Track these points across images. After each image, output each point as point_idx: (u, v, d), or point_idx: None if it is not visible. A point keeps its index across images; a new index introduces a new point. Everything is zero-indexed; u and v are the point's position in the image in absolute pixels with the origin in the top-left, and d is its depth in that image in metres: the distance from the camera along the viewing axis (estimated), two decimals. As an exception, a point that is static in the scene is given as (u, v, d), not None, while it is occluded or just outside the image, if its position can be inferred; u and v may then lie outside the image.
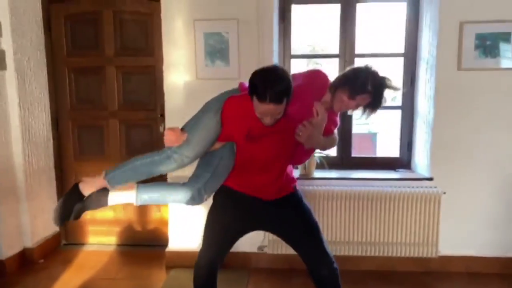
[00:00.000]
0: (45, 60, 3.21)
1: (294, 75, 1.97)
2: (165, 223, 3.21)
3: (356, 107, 1.89)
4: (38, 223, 3.17)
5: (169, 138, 1.89)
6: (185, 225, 3.01)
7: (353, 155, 3.17)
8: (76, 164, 3.36)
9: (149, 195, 1.93)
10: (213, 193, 2.01)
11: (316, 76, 1.94)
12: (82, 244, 3.41)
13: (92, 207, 1.94)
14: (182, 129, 1.92)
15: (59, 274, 2.91)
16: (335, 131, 2.05)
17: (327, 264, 1.97)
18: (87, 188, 1.92)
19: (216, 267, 2.14)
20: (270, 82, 1.68)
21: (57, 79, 3.28)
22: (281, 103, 1.71)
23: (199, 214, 2.93)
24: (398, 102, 3.12)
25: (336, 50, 3.05)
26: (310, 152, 2.03)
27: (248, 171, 1.98)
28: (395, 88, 1.86)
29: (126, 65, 3.20)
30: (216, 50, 2.82)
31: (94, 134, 3.32)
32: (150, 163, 1.91)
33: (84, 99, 3.30)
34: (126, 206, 3.35)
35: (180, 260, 2.96)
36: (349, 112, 1.96)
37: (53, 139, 3.32)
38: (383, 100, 1.84)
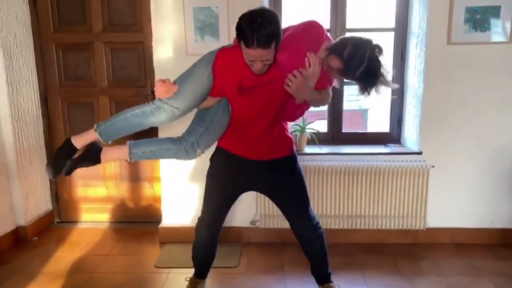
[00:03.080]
0: (31, 36, 3.15)
1: (286, 27, 1.89)
2: (157, 199, 3.24)
3: (340, 78, 1.87)
4: (31, 201, 3.17)
5: (160, 89, 1.85)
6: (178, 201, 3.03)
7: (343, 131, 3.19)
8: (66, 142, 3.33)
9: (143, 150, 1.92)
10: (207, 149, 2.00)
11: (310, 26, 1.83)
12: (75, 222, 3.43)
13: (85, 165, 1.93)
14: (174, 82, 1.90)
15: (53, 251, 2.93)
16: (329, 87, 1.98)
17: (310, 227, 2.11)
18: (79, 141, 1.92)
19: (219, 228, 2.21)
20: (256, 25, 1.61)
21: (44, 56, 3.22)
22: (269, 47, 1.66)
23: (192, 190, 2.97)
24: (389, 78, 3.12)
25: (327, 25, 3.03)
26: (302, 107, 1.96)
27: (240, 127, 1.98)
28: (386, 83, 1.80)
29: (114, 41, 3.15)
30: (205, 25, 2.78)
31: (84, 111, 3.29)
32: (140, 114, 1.89)
33: (72, 76, 3.25)
34: (118, 183, 3.36)
35: (173, 236, 3.00)
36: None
37: (43, 117, 3.28)
38: (368, 90, 1.78)
